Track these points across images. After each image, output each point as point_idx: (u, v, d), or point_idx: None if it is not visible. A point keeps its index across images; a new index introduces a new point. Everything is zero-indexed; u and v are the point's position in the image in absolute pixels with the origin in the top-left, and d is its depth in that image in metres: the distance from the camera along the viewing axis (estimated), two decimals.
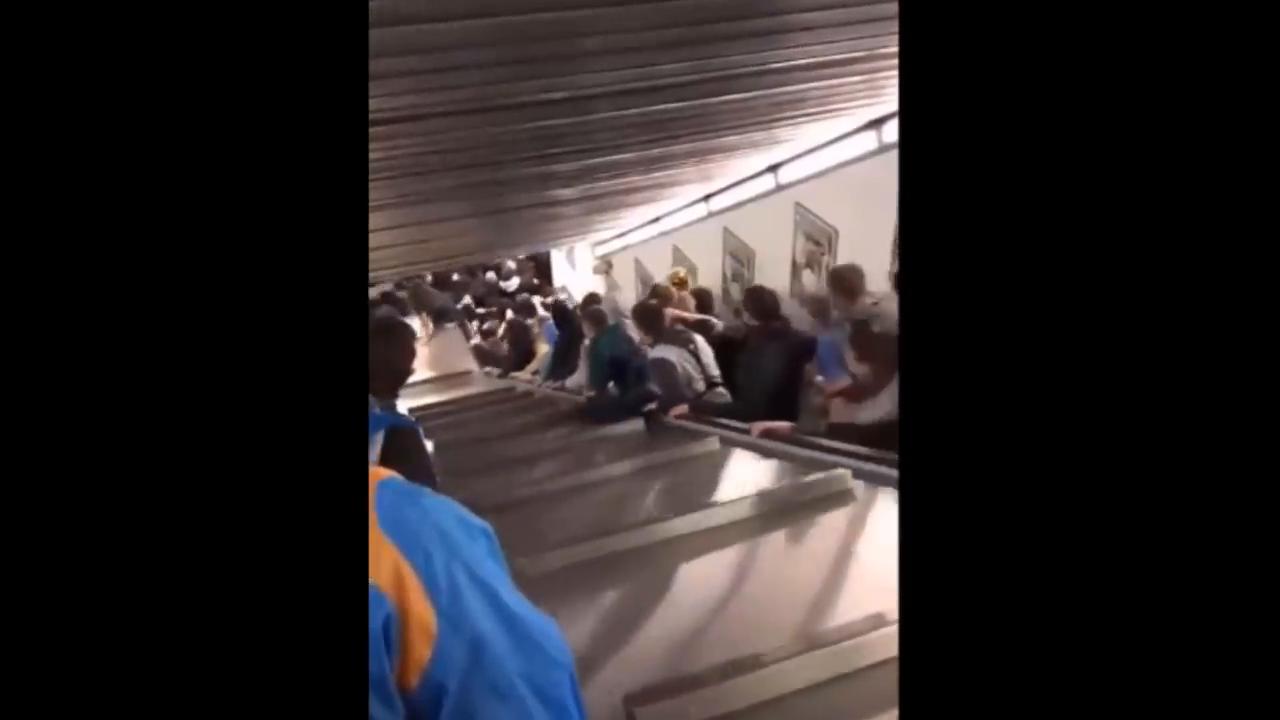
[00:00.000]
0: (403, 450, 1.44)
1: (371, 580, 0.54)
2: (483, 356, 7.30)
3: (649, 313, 3.93)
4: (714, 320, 4.65)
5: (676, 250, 6.16)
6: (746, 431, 2.69)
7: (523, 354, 6.61)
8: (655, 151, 3.62)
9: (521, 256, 9.75)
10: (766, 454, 2.50)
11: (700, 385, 3.61)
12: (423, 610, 0.55)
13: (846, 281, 2.96)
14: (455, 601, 0.56)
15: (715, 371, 3.69)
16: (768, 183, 4.90)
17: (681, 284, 5.14)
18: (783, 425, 2.63)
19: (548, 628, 0.62)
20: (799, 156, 4.46)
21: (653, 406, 3.46)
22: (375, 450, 1.04)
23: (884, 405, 2.35)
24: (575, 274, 8.52)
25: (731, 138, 3.72)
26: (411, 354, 2.04)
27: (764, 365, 3.26)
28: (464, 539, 0.60)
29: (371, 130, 2.22)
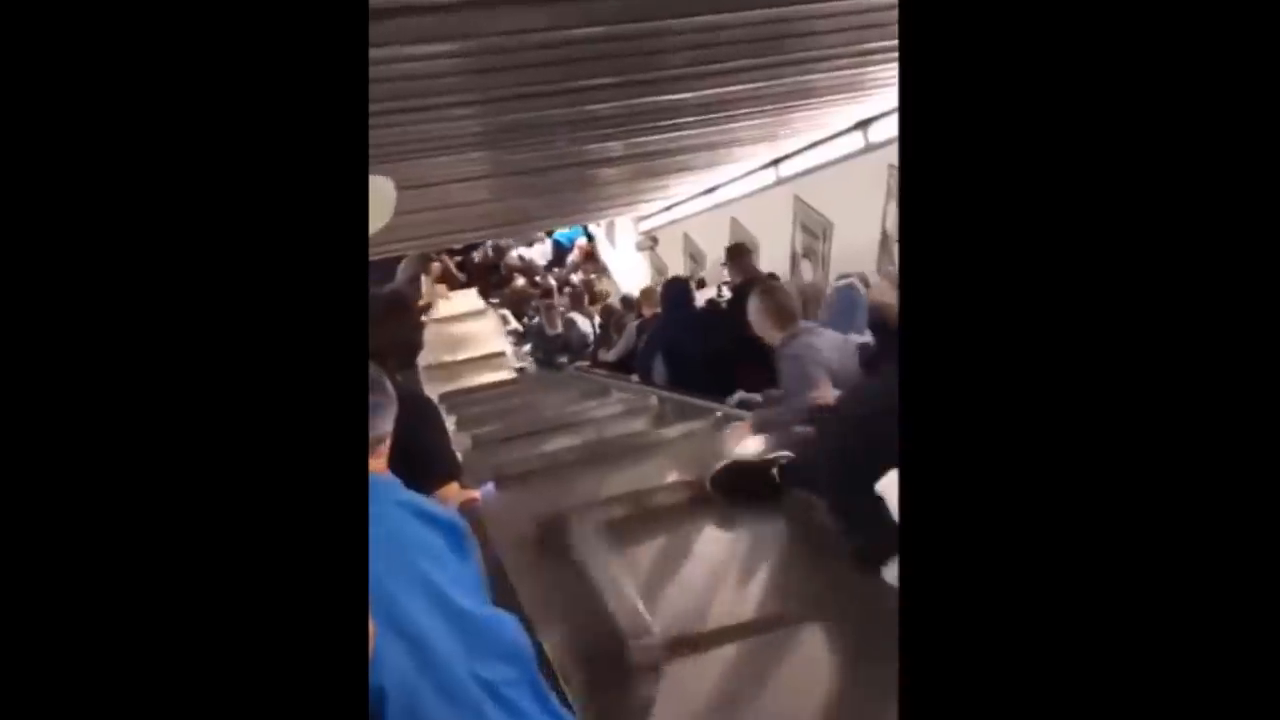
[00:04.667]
0: (418, 422, 1.35)
1: None
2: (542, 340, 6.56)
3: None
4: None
5: (735, 223, 5.38)
6: None
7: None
8: (712, 95, 2.88)
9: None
10: None
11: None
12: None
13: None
14: (393, 605, 0.56)
15: None
16: (856, 141, 4.10)
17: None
18: None
19: (503, 626, 0.63)
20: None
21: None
22: (389, 422, 0.88)
23: None
24: (615, 252, 7.79)
25: (818, 76, 2.96)
26: (420, 325, 2.15)
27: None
28: (419, 538, 0.61)
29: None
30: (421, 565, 0.59)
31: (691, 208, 5.89)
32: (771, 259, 4.94)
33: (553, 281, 8.28)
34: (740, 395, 2.81)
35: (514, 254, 8.94)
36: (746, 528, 1.60)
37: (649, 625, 1.09)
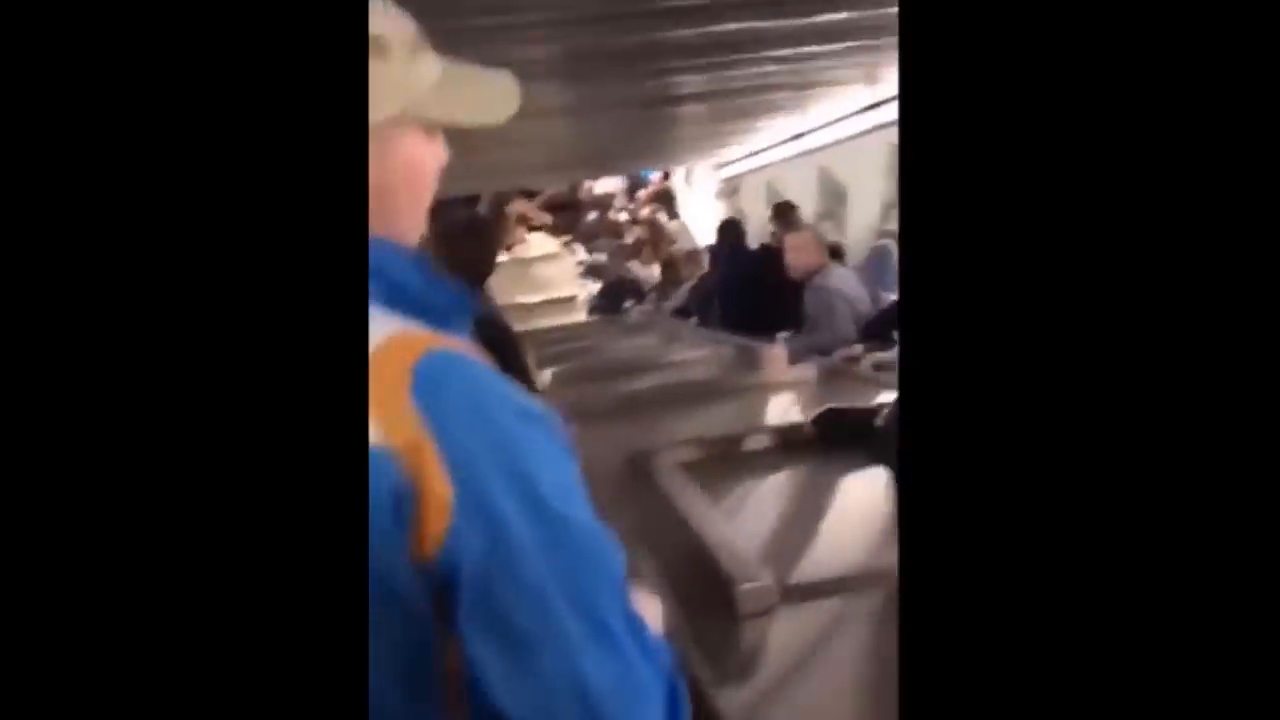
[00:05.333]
0: (491, 343, 1.20)
1: (383, 445, 0.51)
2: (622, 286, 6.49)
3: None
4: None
5: (824, 173, 5.16)
6: None
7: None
8: (805, 25, 2.67)
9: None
10: None
11: None
12: (441, 489, 0.52)
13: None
14: (478, 487, 0.52)
15: None
16: None
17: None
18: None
19: (599, 539, 0.56)
20: None
21: None
22: (466, 324, 0.77)
23: None
24: (692, 199, 7.62)
25: None
26: (494, 251, 2.13)
27: None
28: (514, 426, 0.55)
29: None
30: (515, 455, 0.54)
31: (776, 155, 5.68)
32: (865, 212, 4.74)
33: (625, 217, 8.16)
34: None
35: (587, 186, 8.84)
36: (848, 476, 1.51)
37: (758, 570, 1.03)
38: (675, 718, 0.57)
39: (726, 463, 1.63)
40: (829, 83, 3.89)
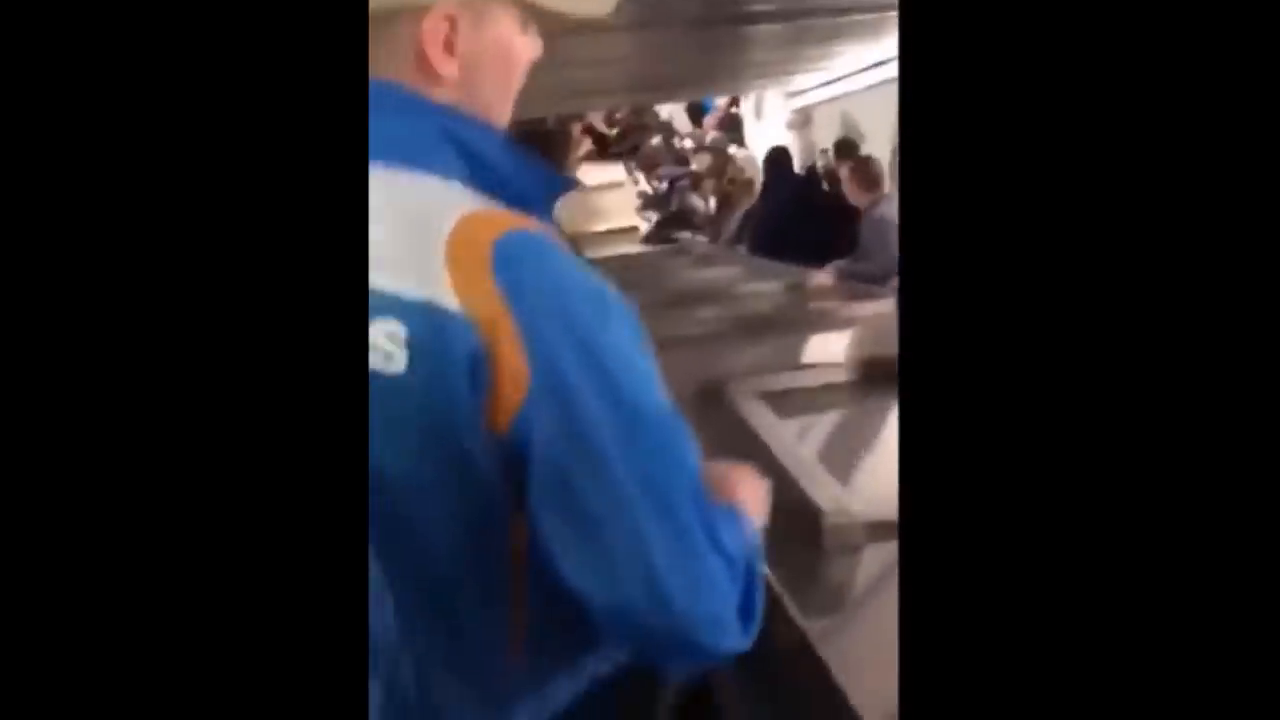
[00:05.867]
0: None
1: (463, 308, 0.52)
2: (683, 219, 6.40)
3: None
4: None
5: None
6: None
7: None
8: None
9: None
10: None
11: None
12: (517, 363, 0.52)
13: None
14: (554, 366, 0.52)
15: None
16: None
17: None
18: None
19: (674, 428, 0.54)
20: None
21: None
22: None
23: None
24: (760, 128, 7.34)
25: None
26: (559, 165, 2.09)
27: None
28: (592, 310, 0.54)
29: None
30: (592, 338, 0.53)
31: (854, 84, 5.40)
32: None
33: (689, 144, 7.93)
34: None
35: (652, 111, 8.58)
36: None
37: (848, 504, 0.97)
38: (747, 613, 0.55)
39: (803, 395, 1.57)
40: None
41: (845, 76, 5.34)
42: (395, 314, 0.53)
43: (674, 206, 6.31)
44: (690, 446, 0.55)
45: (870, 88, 5.23)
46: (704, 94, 7.61)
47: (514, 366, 0.52)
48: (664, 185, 6.96)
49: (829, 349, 2.01)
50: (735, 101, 7.92)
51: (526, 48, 0.64)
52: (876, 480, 1.15)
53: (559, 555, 0.53)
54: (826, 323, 2.26)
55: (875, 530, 0.96)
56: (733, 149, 7.31)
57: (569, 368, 0.52)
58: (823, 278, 2.78)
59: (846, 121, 5.62)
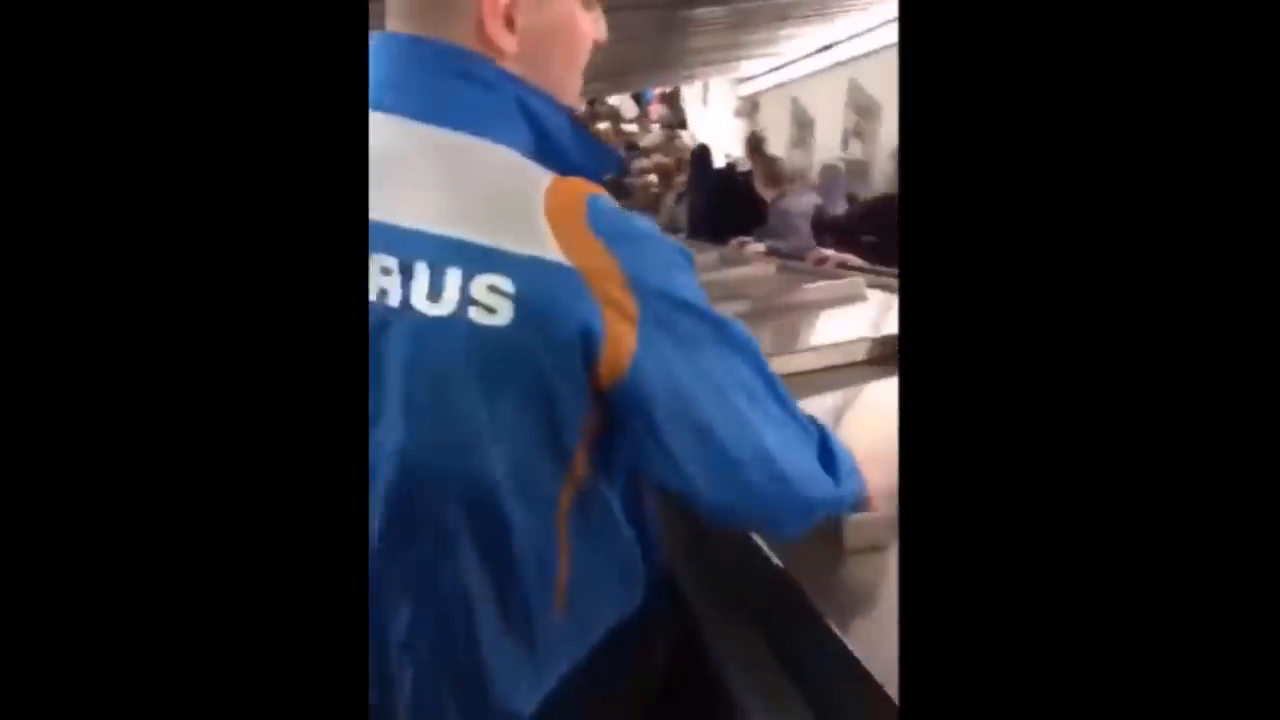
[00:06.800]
0: None
1: (570, 260, 0.55)
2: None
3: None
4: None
5: (854, 85, 4.84)
6: None
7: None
8: None
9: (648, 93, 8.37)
10: None
11: None
12: (627, 303, 0.56)
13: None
14: (659, 300, 0.57)
15: None
16: None
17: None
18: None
19: (743, 331, 0.62)
20: None
21: None
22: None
23: None
24: (708, 115, 7.26)
25: None
26: None
27: None
28: (670, 255, 0.60)
29: None
30: (678, 270, 0.60)
31: (803, 69, 5.34)
32: (896, 124, 4.47)
33: (636, 128, 7.85)
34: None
35: (602, 99, 8.48)
36: None
37: (875, 502, 0.86)
38: (829, 463, 0.66)
39: (808, 380, 1.45)
40: None
41: (793, 62, 5.28)
42: (497, 268, 0.54)
43: (629, 193, 6.23)
44: (755, 341, 0.63)
45: (818, 72, 5.18)
46: (649, 84, 7.51)
47: (625, 305, 0.55)
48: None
49: (805, 334, 1.91)
50: (677, 92, 7.88)
51: (591, 27, 0.66)
52: (893, 471, 1.05)
53: (689, 468, 0.59)
54: (806, 306, 2.16)
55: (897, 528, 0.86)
56: (680, 132, 7.32)
57: (671, 297, 0.57)
58: (761, 256, 3.06)
59: (796, 107, 5.57)
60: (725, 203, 4.20)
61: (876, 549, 0.84)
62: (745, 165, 4.72)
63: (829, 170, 4.24)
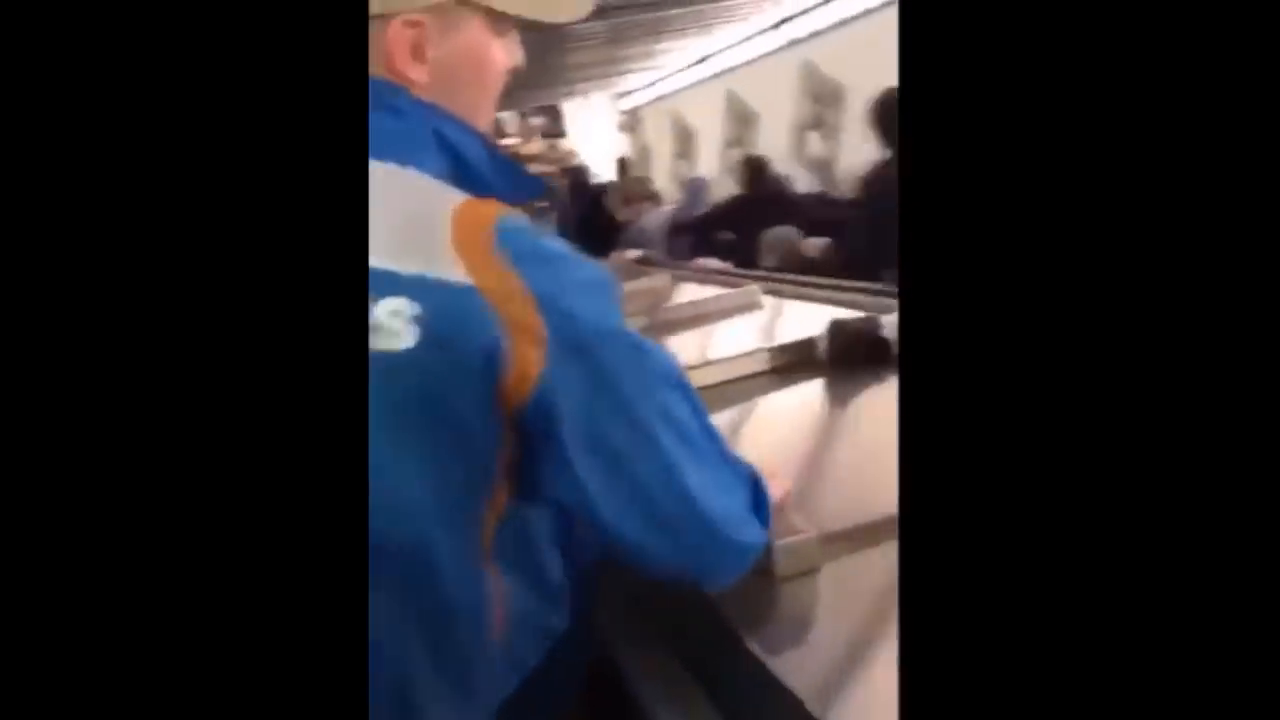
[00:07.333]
0: None
1: (474, 281, 0.54)
2: None
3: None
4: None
5: (732, 96, 4.90)
6: None
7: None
8: None
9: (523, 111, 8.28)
10: None
11: None
12: (533, 322, 0.55)
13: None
14: (569, 321, 0.56)
15: None
16: None
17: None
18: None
19: (670, 361, 0.61)
20: None
21: None
22: None
23: None
24: (587, 133, 7.23)
25: None
26: None
27: None
28: (584, 275, 0.59)
29: None
30: (591, 291, 0.59)
31: (681, 81, 5.39)
32: (776, 136, 4.54)
33: (519, 140, 7.79)
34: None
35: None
36: (862, 396, 1.28)
37: (795, 522, 0.80)
38: (760, 508, 0.65)
39: (718, 392, 1.39)
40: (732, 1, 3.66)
41: (672, 74, 5.32)
42: (401, 292, 0.54)
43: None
44: (682, 370, 0.61)
45: (698, 84, 5.24)
46: (529, 101, 7.44)
47: (531, 326, 0.54)
48: None
49: (735, 341, 1.86)
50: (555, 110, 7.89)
51: (503, 53, 0.67)
52: (822, 484, 1.00)
53: (598, 499, 0.57)
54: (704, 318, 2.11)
55: (828, 544, 0.80)
56: (555, 142, 7.41)
57: (582, 320, 0.56)
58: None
59: (675, 121, 5.61)
60: (589, 222, 4.46)
61: (810, 573, 0.78)
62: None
63: (694, 182, 4.43)
